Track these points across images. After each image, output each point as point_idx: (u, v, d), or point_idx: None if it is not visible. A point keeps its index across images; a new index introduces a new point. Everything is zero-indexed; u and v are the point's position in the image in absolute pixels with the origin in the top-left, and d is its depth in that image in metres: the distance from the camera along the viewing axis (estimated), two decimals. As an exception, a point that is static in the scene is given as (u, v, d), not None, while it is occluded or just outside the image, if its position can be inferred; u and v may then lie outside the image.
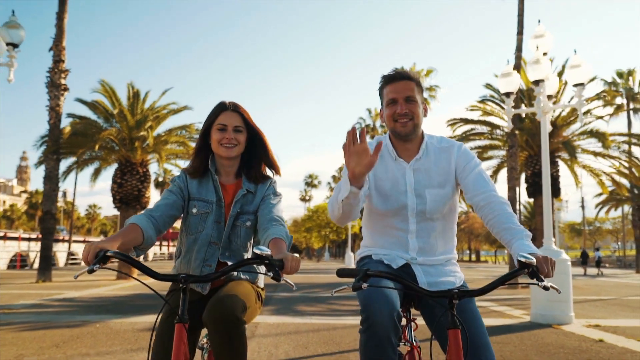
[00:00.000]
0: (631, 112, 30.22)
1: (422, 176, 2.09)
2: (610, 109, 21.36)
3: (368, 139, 1.77)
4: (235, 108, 2.17)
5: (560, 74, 16.39)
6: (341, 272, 1.64)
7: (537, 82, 7.41)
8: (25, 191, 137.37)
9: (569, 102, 16.65)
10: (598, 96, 15.28)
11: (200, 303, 1.98)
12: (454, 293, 1.53)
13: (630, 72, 30.92)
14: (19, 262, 34.29)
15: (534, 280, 1.54)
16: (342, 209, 1.84)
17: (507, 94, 7.97)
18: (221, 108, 2.17)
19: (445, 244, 2.15)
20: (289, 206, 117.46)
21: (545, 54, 7.56)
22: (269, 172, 2.27)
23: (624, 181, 20.35)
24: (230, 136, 2.11)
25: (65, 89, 14.83)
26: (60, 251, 38.41)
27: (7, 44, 7.38)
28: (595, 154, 15.76)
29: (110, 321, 6.65)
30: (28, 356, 4.48)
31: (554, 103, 16.10)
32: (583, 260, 28.33)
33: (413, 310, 2.12)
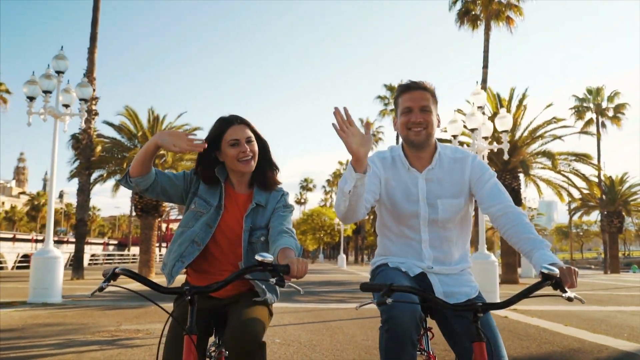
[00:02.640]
0: (600, 126, 33.00)
1: (435, 186, 2.09)
2: (574, 129, 23.99)
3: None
4: (242, 121, 2.19)
5: (521, 101, 19.04)
6: (365, 287, 1.62)
7: (472, 130, 9.96)
8: (23, 192, 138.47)
9: (531, 125, 19.25)
10: (549, 122, 18.02)
11: (208, 311, 2.06)
12: (478, 306, 1.52)
13: (599, 90, 33.79)
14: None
15: (558, 292, 1.54)
16: (348, 200, 1.82)
17: (454, 136, 10.52)
18: (227, 123, 2.18)
19: (461, 253, 2.16)
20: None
21: (480, 107, 10.12)
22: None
23: (590, 190, 23.06)
24: (245, 149, 2.12)
25: (96, 114, 17.34)
26: (64, 252, 40.42)
27: (80, 99, 9.89)
28: (552, 169, 18.43)
29: (161, 304, 9.10)
30: (124, 322, 6.93)
31: (516, 126, 18.72)
32: None
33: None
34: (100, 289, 1.54)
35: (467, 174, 2.11)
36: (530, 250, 1.84)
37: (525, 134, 18.66)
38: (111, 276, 1.58)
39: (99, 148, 17.47)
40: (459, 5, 19.35)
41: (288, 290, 11.28)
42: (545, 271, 1.53)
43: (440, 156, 2.13)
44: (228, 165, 2.18)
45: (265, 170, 2.24)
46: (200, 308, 1.77)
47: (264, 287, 2.12)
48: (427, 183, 2.10)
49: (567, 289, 1.54)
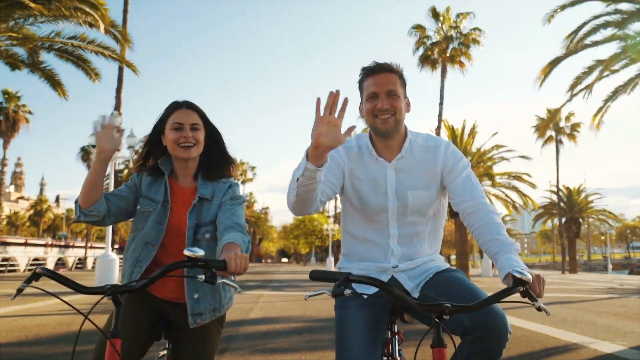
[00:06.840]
0: (559, 143, 37.39)
1: (405, 176, 1.95)
2: (516, 152, 28.21)
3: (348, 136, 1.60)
4: (190, 105, 2.07)
5: (472, 130, 23.06)
6: (316, 275, 1.44)
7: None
8: (22, 197, 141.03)
9: (483, 145, 23.28)
10: (494, 147, 22.14)
11: (152, 313, 1.99)
12: (445, 307, 1.36)
13: (557, 110, 37.98)
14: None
15: (526, 300, 1.44)
16: (296, 190, 1.68)
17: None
18: (174, 107, 2.06)
19: (431, 249, 2.04)
20: (279, 211, 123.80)
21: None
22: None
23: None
24: (187, 135, 1.99)
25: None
26: (70, 256, 43.08)
27: (128, 147, 13.81)
28: (492, 186, 22.57)
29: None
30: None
31: (467, 151, 22.70)
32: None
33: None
34: (20, 291, 1.44)
35: (440, 163, 1.97)
36: (497, 253, 1.73)
37: (475, 158, 22.73)
38: (33, 277, 1.52)
39: (126, 171, 21.29)
40: (421, 50, 23.37)
41: (279, 285, 15.98)
42: (518, 275, 1.42)
43: (411, 144, 1.98)
44: (170, 151, 2.05)
45: (214, 161, 2.12)
46: (144, 310, 1.84)
47: (197, 296, 1.97)
48: (396, 173, 1.96)
49: (536, 298, 1.45)
